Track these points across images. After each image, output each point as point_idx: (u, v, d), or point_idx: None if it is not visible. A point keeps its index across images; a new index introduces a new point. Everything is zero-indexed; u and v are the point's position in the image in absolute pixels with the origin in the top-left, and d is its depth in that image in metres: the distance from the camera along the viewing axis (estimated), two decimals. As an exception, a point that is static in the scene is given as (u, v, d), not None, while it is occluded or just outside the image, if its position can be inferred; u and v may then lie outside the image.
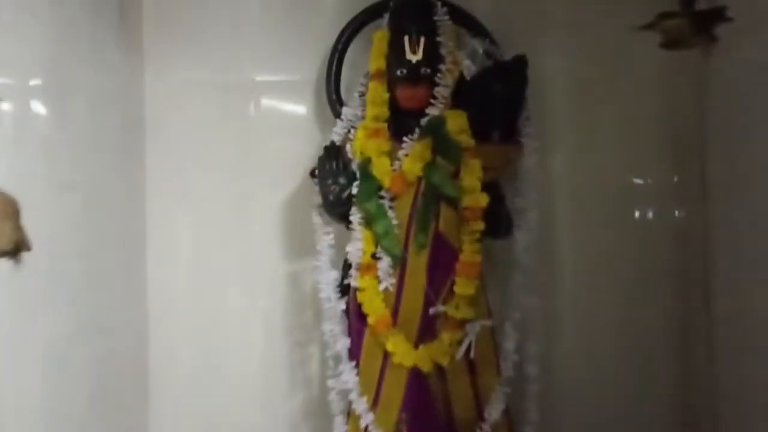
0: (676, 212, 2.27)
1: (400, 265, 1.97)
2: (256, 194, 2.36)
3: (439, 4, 2.07)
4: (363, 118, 2.08)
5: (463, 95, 2.04)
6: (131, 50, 2.30)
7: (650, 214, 2.28)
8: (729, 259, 2.00)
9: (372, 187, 1.98)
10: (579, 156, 2.30)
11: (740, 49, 1.81)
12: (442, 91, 2.01)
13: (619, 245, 2.26)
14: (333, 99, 2.24)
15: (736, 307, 1.96)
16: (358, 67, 2.23)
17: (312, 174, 2.11)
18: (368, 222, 1.99)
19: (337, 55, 2.24)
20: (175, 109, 2.36)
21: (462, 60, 2.13)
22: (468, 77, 2.12)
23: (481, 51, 2.17)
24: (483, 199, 1.93)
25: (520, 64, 2.02)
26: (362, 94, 2.13)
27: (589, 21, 2.28)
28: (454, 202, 1.96)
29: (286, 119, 2.38)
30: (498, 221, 2.00)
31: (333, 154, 2.03)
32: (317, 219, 2.11)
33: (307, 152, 2.26)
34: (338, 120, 2.16)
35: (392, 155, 2.01)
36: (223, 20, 2.36)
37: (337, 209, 2.03)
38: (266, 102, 2.38)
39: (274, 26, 2.36)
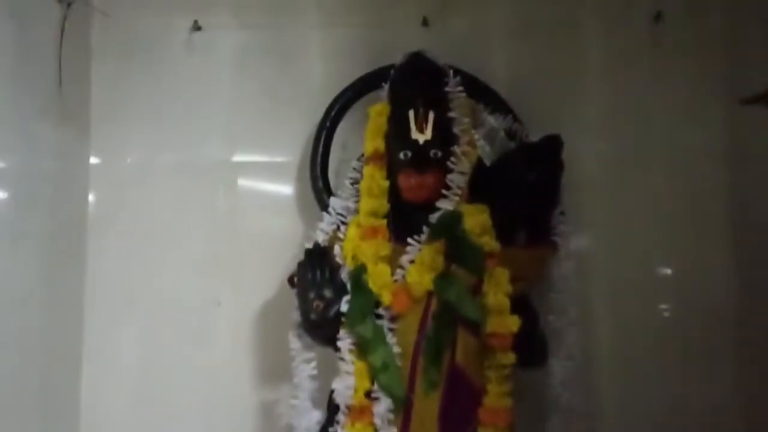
0: (739, 313, 1.80)
1: (403, 409, 1.49)
2: (222, 302, 1.91)
3: (450, 72, 1.67)
4: (356, 212, 1.65)
5: (483, 185, 1.61)
6: (72, 125, 1.90)
7: (708, 319, 1.81)
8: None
9: (367, 303, 1.52)
10: (619, 252, 1.86)
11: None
12: (457, 180, 1.59)
13: (674, 363, 1.79)
14: (319, 187, 1.81)
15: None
16: (350, 147, 1.84)
17: (290, 281, 1.66)
18: (362, 350, 1.52)
19: (324, 133, 1.83)
20: (125, 196, 1.95)
21: (479, 141, 1.72)
22: (487, 162, 1.70)
23: (502, 131, 1.76)
24: (513, 323, 1.47)
25: (553, 147, 1.60)
26: (355, 182, 1.70)
27: (630, 91, 1.89)
28: (475, 326, 1.49)
29: (263, 211, 1.96)
30: (531, 348, 1.54)
31: (316, 259, 1.57)
32: (295, 342, 1.63)
33: (288, 251, 1.82)
34: (325, 213, 1.72)
35: (393, 262, 1.56)
36: (188, 92, 1.97)
37: (322, 331, 1.57)
38: (239, 190, 1.96)
39: (249, 99, 1.96)
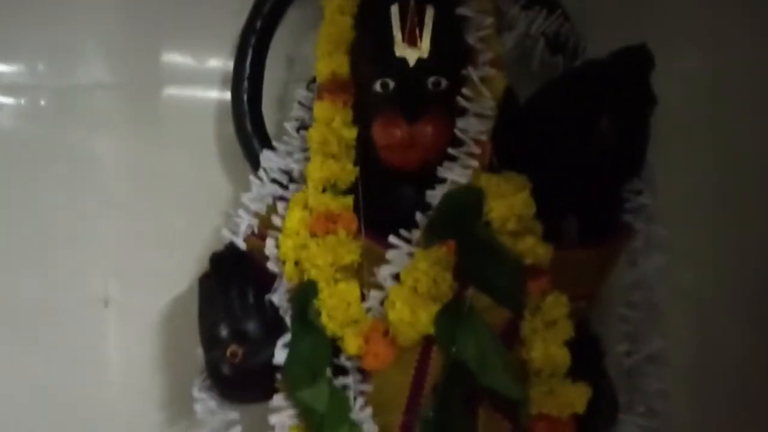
0: None
1: None
2: (110, 302, 1.25)
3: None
4: (302, 180, 0.99)
5: (518, 136, 0.94)
6: None
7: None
8: None
9: (319, 351, 0.89)
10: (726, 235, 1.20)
11: None
12: (475, 129, 0.92)
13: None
14: (246, 131, 1.12)
15: None
16: (301, 63, 1.17)
17: (202, 284, 1.01)
18: (312, 430, 0.89)
19: (253, 44, 1.12)
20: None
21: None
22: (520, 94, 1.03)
23: (542, 38, 1.08)
24: (578, 398, 0.84)
25: (639, 67, 0.93)
26: (303, 127, 1.03)
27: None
28: (510, 404, 0.86)
29: (169, 163, 1.25)
30: (596, 412, 0.91)
31: (231, 273, 0.92)
32: (204, 401, 0.99)
33: (205, 223, 1.17)
34: (253, 178, 1.05)
35: (365, 273, 0.91)
36: None
37: (242, 391, 0.94)
38: (132, 130, 1.25)
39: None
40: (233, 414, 1.00)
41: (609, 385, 0.97)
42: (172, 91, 1.27)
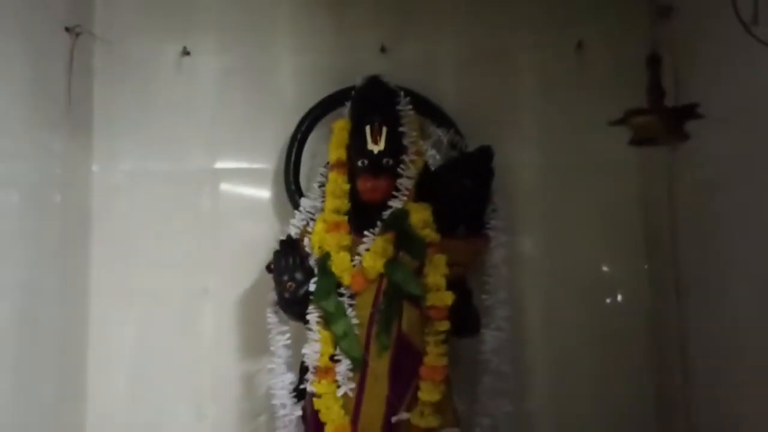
0: (649, 301, 2.14)
1: (360, 368, 1.83)
2: (209, 290, 2.20)
3: (402, 93, 2.01)
4: (322, 210, 1.98)
5: (427, 187, 1.96)
6: (78, 137, 2.15)
7: (623, 305, 2.17)
8: (706, 350, 1.86)
9: (331, 284, 1.86)
10: (549, 248, 2.19)
11: (708, 143, 1.72)
12: (405, 183, 1.93)
13: (594, 340, 2.13)
14: (292, 189, 2.14)
15: (714, 393, 1.81)
16: (319, 156, 2.14)
17: (268, 268, 1.98)
18: (327, 321, 1.86)
19: (296, 144, 2.15)
20: (123, 199, 2.23)
21: (426, 150, 2.07)
22: (432, 168, 2.05)
23: (445, 141, 2.11)
24: (448, 298, 1.82)
25: (485, 156, 1.96)
26: (322, 185, 2.03)
27: (559, 110, 2.19)
28: (417, 301, 1.84)
29: (244, 210, 2.24)
30: (465, 320, 1.88)
31: (289, 248, 1.91)
32: (272, 317, 1.97)
33: (265, 245, 2.10)
34: (296, 212, 2.05)
35: (353, 250, 1.90)
36: (177, 108, 2.25)
37: (294, 308, 1.90)
38: (223, 192, 2.24)
39: (230, 114, 2.25)
40: (285, 327, 1.96)
41: (475, 310, 1.94)
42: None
